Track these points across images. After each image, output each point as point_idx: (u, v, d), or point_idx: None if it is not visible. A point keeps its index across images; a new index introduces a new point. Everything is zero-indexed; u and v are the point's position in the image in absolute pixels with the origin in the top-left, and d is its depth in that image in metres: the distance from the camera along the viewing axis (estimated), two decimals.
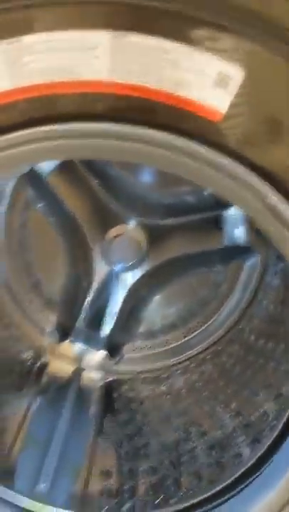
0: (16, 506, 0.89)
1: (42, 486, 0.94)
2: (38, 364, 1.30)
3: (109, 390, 1.29)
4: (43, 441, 1.04)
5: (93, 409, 1.21)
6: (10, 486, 0.92)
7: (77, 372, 1.31)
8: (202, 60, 0.56)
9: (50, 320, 1.34)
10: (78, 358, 1.33)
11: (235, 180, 0.63)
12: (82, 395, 1.25)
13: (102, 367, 1.32)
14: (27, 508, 0.90)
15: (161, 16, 0.55)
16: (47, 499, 0.92)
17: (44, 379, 1.28)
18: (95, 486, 1.01)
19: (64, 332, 1.33)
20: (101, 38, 0.56)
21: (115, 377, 1.32)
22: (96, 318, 1.31)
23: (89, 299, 1.28)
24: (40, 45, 0.56)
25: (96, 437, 1.13)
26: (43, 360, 1.31)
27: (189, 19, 0.54)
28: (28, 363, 1.30)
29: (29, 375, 1.27)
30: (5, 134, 0.58)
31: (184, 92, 0.58)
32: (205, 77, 0.57)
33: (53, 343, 1.32)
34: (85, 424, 1.14)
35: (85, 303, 1.28)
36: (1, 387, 1.18)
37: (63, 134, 0.57)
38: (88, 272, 1.28)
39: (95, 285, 1.27)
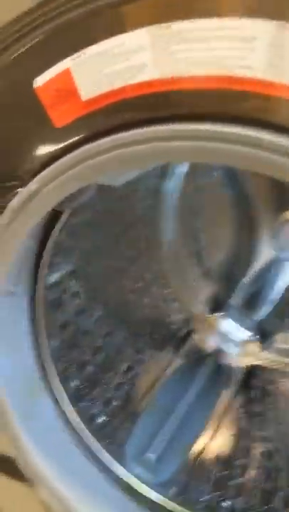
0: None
1: (150, 456, 0.95)
2: (184, 330, 1.31)
3: (247, 376, 1.25)
4: (166, 409, 1.05)
5: (224, 391, 1.18)
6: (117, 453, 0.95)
7: (220, 348, 1.29)
8: None
9: (205, 290, 1.32)
10: (225, 335, 1.31)
11: None
12: (218, 374, 1.22)
13: (246, 349, 1.28)
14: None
15: None
16: (151, 471, 0.93)
17: (186, 346, 1.28)
18: (203, 471, 1.00)
19: (216, 305, 1.31)
20: (262, 29, 0.47)
21: (257, 364, 1.26)
22: (251, 300, 1.26)
23: (247, 279, 1.23)
24: (189, 33, 0.49)
25: (219, 421, 1.11)
26: (189, 327, 1.31)
27: None
28: (174, 327, 1.31)
29: (172, 339, 1.29)
30: (143, 127, 0.54)
31: None
32: None
33: (203, 314, 1.31)
34: (210, 404, 1.13)
35: (242, 282, 1.23)
36: (142, 344, 1.22)
37: (198, 135, 0.51)
38: (252, 253, 1.21)
39: (256, 267, 1.21)
